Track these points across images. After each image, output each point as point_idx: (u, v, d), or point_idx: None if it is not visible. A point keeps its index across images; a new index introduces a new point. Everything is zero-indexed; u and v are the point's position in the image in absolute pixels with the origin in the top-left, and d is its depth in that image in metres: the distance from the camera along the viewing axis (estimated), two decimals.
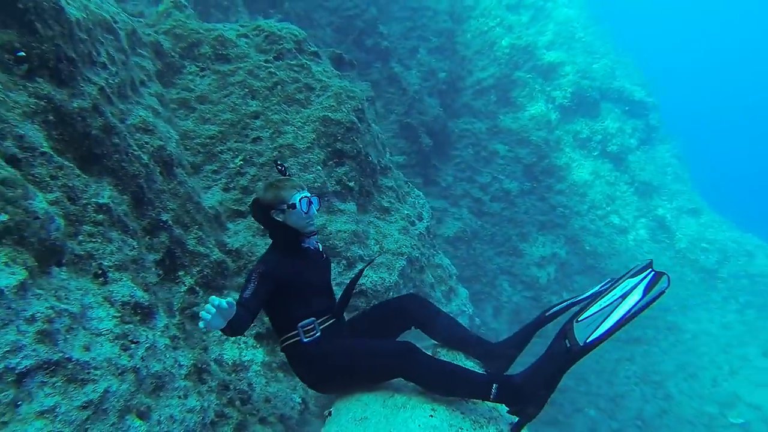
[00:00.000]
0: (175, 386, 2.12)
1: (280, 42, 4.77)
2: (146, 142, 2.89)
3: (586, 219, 10.88)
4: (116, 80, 2.84)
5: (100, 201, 2.22)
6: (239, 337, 3.09)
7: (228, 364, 2.78)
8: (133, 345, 1.96)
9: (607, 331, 1.81)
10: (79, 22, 2.52)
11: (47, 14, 2.25)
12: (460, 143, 11.31)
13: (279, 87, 4.46)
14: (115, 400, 1.70)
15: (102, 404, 1.65)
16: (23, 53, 2.12)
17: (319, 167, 4.14)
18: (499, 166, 10.74)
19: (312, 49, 5.15)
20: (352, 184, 4.31)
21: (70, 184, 2.08)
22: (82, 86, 2.41)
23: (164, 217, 2.82)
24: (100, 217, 2.16)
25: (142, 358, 1.96)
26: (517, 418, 1.97)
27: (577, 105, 11.90)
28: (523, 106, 11.56)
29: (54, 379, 1.55)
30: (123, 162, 2.59)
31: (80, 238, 2.03)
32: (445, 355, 2.47)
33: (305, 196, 2.34)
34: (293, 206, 2.29)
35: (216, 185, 3.81)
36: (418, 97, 11.20)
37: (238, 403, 2.57)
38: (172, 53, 4.19)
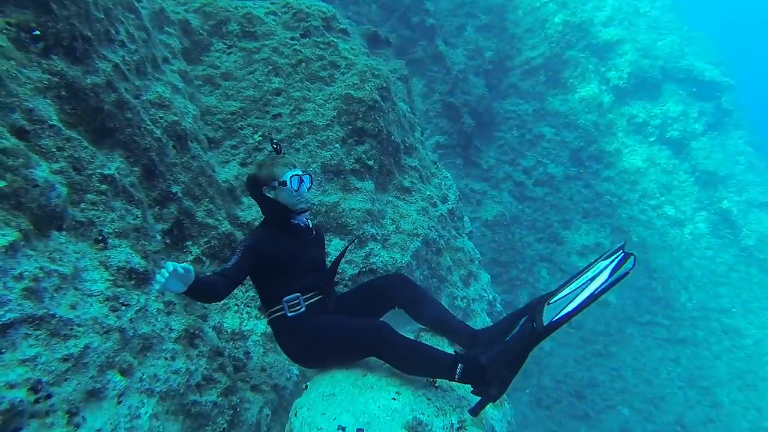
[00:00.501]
0: (163, 348, 2.27)
1: (308, 19, 4.79)
2: (160, 117, 3.03)
3: (635, 209, 10.23)
4: (135, 57, 2.99)
5: (106, 172, 2.37)
6: (243, 307, 3.24)
7: (227, 332, 2.93)
8: (123, 307, 2.11)
9: (569, 312, 1.80)
10: (96, 1, 2.66)
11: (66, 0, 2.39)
12: (504, 125, 10.93)
13: (303, 64, 4.50)
14: (96, 356, 1.86)
15: (82, 358, 1.81)
16: (39, 32, 2.28)
17: (337, 145, 4.16)
18: (544, 149, 10.29)
19: (341, 26, 5.13)
20: (371, 162, 4.30)
21: (77, 156, 2.24)
22: (96, 63, 2.56)
23: (174, 189, 2.97)
24: (104, 186, 2.32)
25: (130, 319, 2.11)
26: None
27: (634, 86, 11.06)
28: (573, 87, 10.93)
29: (38, 332, 1.71)
30: (135, 136, 2.74)
31: (83, 205, 2.19)
32: (429, 340, 2.46)
33: (296, 174, 2.39)
34: (284, 183, 2.36)
35: (234, 160, 3.94)
36: (462, 76, 10.90)
37: (230, 369, 2.71)
38: (201, 31, 4.32)
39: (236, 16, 4.58)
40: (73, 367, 1.77)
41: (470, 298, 4.93)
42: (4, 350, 1.61)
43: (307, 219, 2.52)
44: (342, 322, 2.29)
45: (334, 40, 4.73)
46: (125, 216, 2.42)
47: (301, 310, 2.32)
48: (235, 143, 4.02)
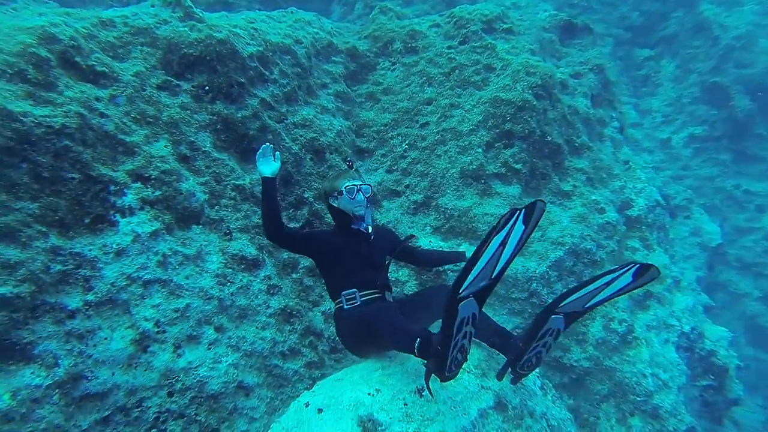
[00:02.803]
0: (257, 319, 2.93)
1: (467, 26, 4.83)
2: (301, 135, 3.77)
3: None
4: (285, 90, 3.82)
5: (239, 182, 3.21)
6: None
7: None
8: (228, 283, 2.87)
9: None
10: (252, 55, 3.57)
11: (226, 57, 3.36)
12: None
13: (456, 71, 4.59)
14: (196, 313, 2.64)
15: (186, 312, 2.61)
16: (208, 87, 3.30)
17: (479, 150, 4.11)
18: None
19: (505, 26, 4.95)
20: (519, 166, 4.06)
21: (218, 171, 3.14)
22: (247, 101, 3.46)
23: (307, 194, 3.66)
24: (235, 193, 3.16)
25: (231, 293, 2.85)
26: None
27: None
28: None
29: (162, 290, 2.58)
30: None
31: (217, 207, 3.07)
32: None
33: (354, 185, 2.68)
34: (342, 193, 2.68)
35: (381, 168, 4.41)
36: (740, 43, 8.50)
37: (323, 348, 3.19)
38: (368, 54, 4.97)
39: (401, 35, 5.03)
40: (180, 317, 2.58)
41: (639, 323, 3.94)
42: (146, 297, 2.54)
43: (366, 225, 2.74)
44: (385, 320, 2.43)
45: (492, 42, 4.61)
46: (250, 216, 3.21)
47: (357, 303, 2.58)
48: (384, 152, 4.48)
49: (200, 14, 3.53)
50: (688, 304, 4.30)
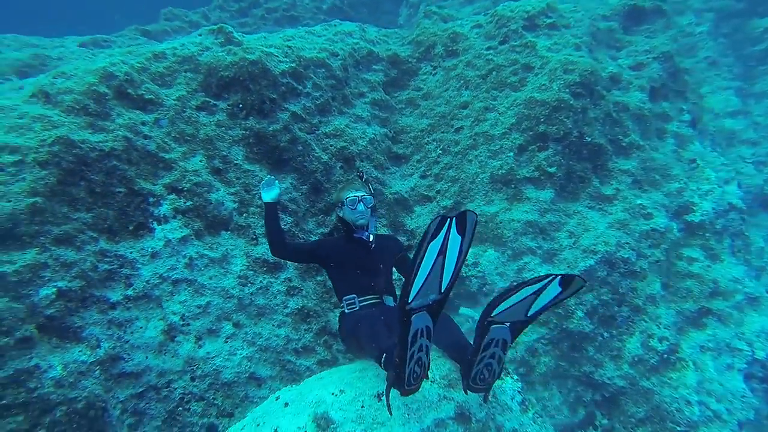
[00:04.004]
0: (274, 318, 3.23)
1: (508, 24, 4.68)
2: (331, 145, 3.99)
3: None
4: (318, 102, 4.06)
5: None
6: None
7: None
8: (249, 284, 3.20)
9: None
10: (284, 71, 3.87)
11: (258, 76, 3.69)
12: None
13: (494, 73, 4.49)
14: (216, 310, 3.00)
15: (207, 309, 2.98)
16: (242, 105, 3.66)
17: (510, 154, 4.01)
18: None
19: (549, 20, 4.68)
20: (553, 169, 3.90)
21: (248, 182, 3.49)
22: (278, 115, 3.77)
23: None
24: (260, 201, 3.48)
25: (251, 293, 3.17)
26: None
27: None
28: None
29: (188, 288, 2.99)
30: (305, 162, 3.81)
31: (245, 215, 3.42)
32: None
33: (355, 196, 2.84)
34: (344, 204, 2.86)
35: (416, 173, 4.48)
36: None
37: (337, 348, 3.40)
38: (410, 59, 5.04)
39: (442, 38, 5.02)
40: (201, 312, 2.97)
41: (689, 343, 3.52)
42: (175, 294, 2.96)
43: (368, 234, 2.87)
44: (367, 329, 2.56)
45: (533, 39, 4.40)
46: None
47: (356, 308, 2.75)
48: (419, 157, 4.55)
49: (239, 38, 3.91)
50: (765, 326, 3.72)
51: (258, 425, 2.10)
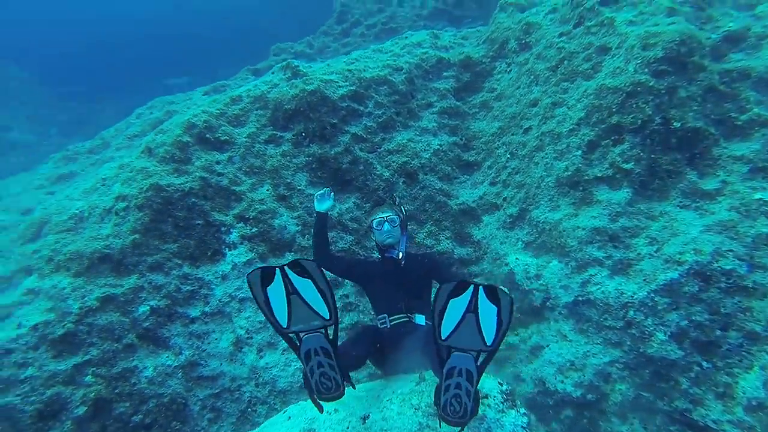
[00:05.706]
0: None
1: (583, 2, 4.08)
2: (393, 161, 4.04)
3: None
4: (380, 120, 4.15)
5: None
6: None
7: None
8: None
9: None
10: (344, 95, 4.06)
11: (317, 104, 3.96)
12: None
13: (565, 62, 4.01)
14: None
15: (267, 324, 3.35)
16: (304, 133, 3.97)
17: (577, 152, 3.56)
18: None
19: None
20: (630, 165, 3.34)
21: (310, 206, 3.78)
22: (339, 138, 3.98)
23: None
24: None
25: None
26: None
27: None
28: None
29: (252, 306, 3.40)
30: (366, 181, 3.96)
31: (307, 236, 3.71)
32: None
33: (380, 217, 2.90)
34: (371, 227, 2.95)
35: (486, 180, 4.25)
36: None
37: None
38: (484, 59, 4.77)
39: (515, 32, 4.63)
40: (262, 327, 3.35)
41: None
42: (242, 311, 3.41)
43: (398, 253, 2.89)
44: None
45: (611, 15, 3.76)
46: (336, 241, 3.73)
47: (387, 327, 2.81)
48: (490, 163, 4.31)
49: (305, 70, 4.23)
50: None
51: None
